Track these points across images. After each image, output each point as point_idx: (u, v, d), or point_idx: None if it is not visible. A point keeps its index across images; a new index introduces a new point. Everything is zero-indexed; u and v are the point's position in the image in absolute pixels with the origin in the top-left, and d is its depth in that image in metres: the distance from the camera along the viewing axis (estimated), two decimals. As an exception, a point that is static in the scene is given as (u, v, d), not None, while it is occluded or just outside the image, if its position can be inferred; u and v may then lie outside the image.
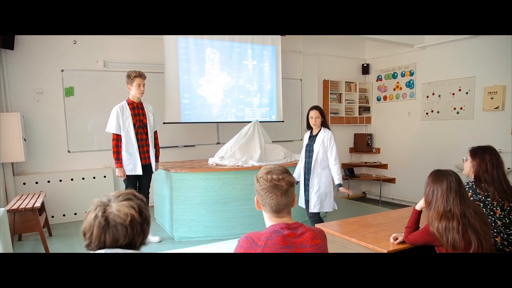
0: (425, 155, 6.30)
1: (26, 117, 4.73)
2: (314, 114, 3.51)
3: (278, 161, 4.33)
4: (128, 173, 3.74)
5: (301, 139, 6.98)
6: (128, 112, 3.76)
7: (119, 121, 3.70)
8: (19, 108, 4.68)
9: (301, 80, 6.92)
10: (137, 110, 3.83)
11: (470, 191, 2.40)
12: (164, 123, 4.84)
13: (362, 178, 7.29)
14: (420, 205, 2.23)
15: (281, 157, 4.42)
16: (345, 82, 7.22)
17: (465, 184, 2.46)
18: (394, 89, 7.01)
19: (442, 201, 2.00)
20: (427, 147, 6.32)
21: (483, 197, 2.34)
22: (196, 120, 5.16)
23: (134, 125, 3.77)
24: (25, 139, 4.42)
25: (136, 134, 3.77)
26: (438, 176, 2.07)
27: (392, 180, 6.97)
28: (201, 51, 5.07)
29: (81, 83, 5.04)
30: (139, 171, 3.78)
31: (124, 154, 3.72)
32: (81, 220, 1.24)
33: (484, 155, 2.42)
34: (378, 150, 7.33)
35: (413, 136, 6.63)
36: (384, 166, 7.15)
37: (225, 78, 5.25)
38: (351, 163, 7.43)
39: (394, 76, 6.99)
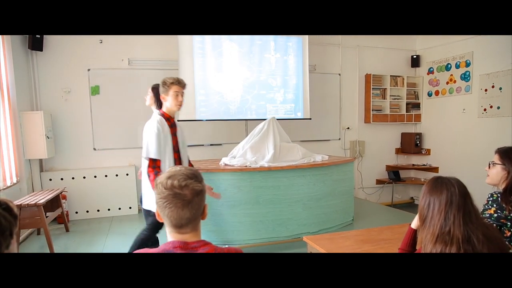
0: (482, 158, 5.39)
1: (54, 115, 4.90)
2: None
3: (294, 161, 3.94)
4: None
5: (339, 139, 6.52)
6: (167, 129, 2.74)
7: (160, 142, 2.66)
8: (48, 107, 4.87)
9: (339, 74, 6.41)
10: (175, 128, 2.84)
11: (494, 205, 1.87)
12: (178, 120, 4.69)
13: (408, 182, 6.55)
14: (415, 222, 1.76)
15: (298, 158, 4.03)
16: (390, 76, 6.54)
17: (489, 196, 1.92)
18: (447, 83, 6.18)
19: (439, 218, 1.52)
20: (485, 149, 5.43)
21: (511, 215, 1.79)
22: (212, 117, 4.95)
23: (174, 147, 2.78)
24: (48, 137, 4.56)
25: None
26: (437, 185, 1.59)
27: (443, 186, 6.14)
28: (218, 45, 4.84)
29: (106, 82, 5.12)
30: None
31: None
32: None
33: None
34: (428, 152, 6.54)
35: (468, 136, 5.78)
36: (435, 170, 6.34)
37: (245, 73, 4.95)
38: (397, 165, 6.72)
39: (448, 68, 6.16)
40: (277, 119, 4.45)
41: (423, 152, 6.58)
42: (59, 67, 4.94)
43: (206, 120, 5.01)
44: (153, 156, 2.58)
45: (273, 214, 3.70)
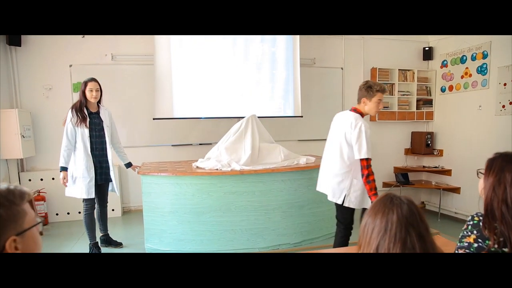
0: (499, 160, 4.84)
1: (35, 113, 4.73)
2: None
3: (274, 164, 3.56)
4: None
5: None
6: None
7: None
8: (29, 105, 4.71)
9: (342, 68, 5.95)
10: None
11: (475, 231, 1.43)
12: (154, 119, 4.41)
13: (418, 186, 6.00)
14: (360, 250, 1.35)
15: (279, 160, 3.64)
16: (399, 70, 6.02)
17: (469, 219, 1.49)
18: (462, 77, 5.59)
19: (369, 250, 1.13)
20: (503, 150, 4.83)
21: (496, 247, 1.35)
22: (191, 115, 4.59)
23: None
24: (24, 136, 4.37)
25: None
26: (377, 205, 1.18)
27: (456, 190, 5.58)
28: (198, 36, 4.46)
29: (89, 78, 4.88)
30: None
31: None
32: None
33: (504, 173, 1.43)
34: (440, 153, 5.97)
35: (484, 135, 5.20)
36: (448, 172, 5.77)
37: (228, 67, 4.56)
38: (406, 167, 6.18)
39: (463, 60, 5.57)
40: (265, 117, 4.08)
41: (435, 153, 6.01)
42: (39, 63, 4.75)
43: (181, 118, 4.64)
44: (370, 156, 2.69)
45: (247, 222, 3.34)
